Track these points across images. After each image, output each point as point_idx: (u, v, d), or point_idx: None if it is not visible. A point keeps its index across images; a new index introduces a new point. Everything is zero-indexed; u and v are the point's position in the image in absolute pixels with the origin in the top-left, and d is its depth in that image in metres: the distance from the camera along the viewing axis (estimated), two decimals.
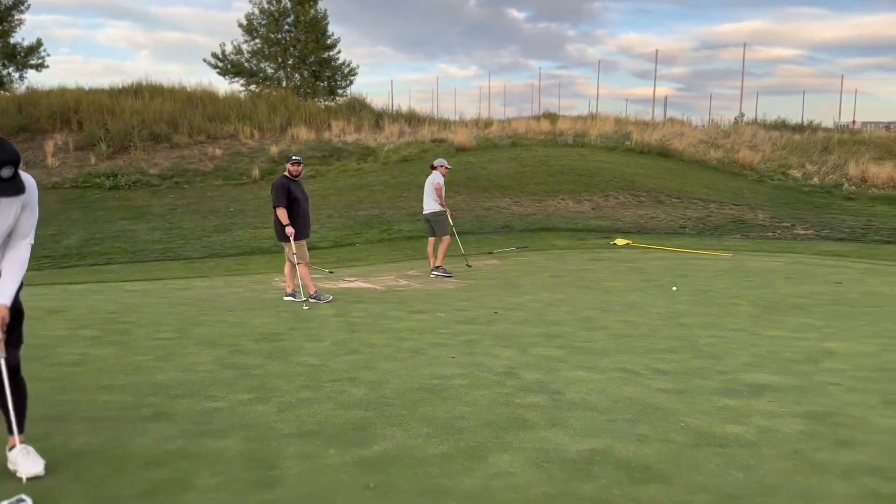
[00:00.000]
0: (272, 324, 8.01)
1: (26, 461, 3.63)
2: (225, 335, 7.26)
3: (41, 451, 3.76)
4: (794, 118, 35.88)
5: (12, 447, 3.72)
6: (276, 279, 12.17)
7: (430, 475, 3.70)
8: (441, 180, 12.70)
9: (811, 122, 35.19)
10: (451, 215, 12.87)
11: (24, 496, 3.26)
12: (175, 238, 17.74)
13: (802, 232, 17.83)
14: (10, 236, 3.49)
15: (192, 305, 9.35)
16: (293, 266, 9.65)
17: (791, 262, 13.38)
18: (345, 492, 3.51)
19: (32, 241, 3.55)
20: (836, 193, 23.23)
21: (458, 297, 10.16)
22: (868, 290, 10.41)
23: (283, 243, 9.52)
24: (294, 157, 9.69)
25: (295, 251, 9.31)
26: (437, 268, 12.77)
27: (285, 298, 9.78)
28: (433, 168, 12.90)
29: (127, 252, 16.52)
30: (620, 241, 16.02)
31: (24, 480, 3.53)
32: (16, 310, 3.54)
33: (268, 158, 25.82)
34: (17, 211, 3.40)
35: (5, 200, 3.33)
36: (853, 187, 23.63)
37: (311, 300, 9.43)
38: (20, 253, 3.51)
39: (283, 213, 9.18)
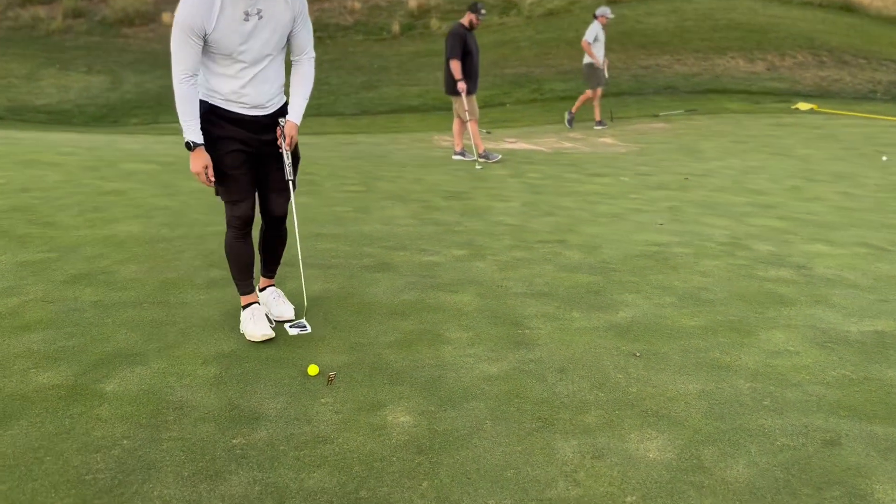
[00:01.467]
0: (451, 181, 7.75)
1: (278, 305, 3.58)
2: (409, 191, 7.07)
3: (284, 294, 3.72)
4: None
5: (263, 288, 3.68)
6: (436, 137, 11.88)
7: (698, 348, 3.35)
8: (593, 33, 12.33)
9: None
10: (609, 69, 12.62)
11: (303, 322, 3.34)
12: (325, 94, 17.68)
13: None
14: (290, 52, 3.28)
15: (364, 160, 9.24)
16: (462, 123, 9.25)
17: None
18: (610, 358, 3.23)
19: (314, 55, 3.35)
20: None
21: (635, 160, 9.51)
22: None
23: (453, 98, 9.07)
24: (482, 9, 8.91)
25: (466, 107, 8.87)
26: (598, 122, 12.58)
27: (454, 157, 9.47)
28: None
29: None
30: (803, 106, 14.48)
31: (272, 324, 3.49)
32: (294, 154, 3.36)
33: (406, 13, 24.99)
34: (290, 19, 3.14)
35: (277, 10, 3.08)
36: None
37: (480, 159, 9.07)
38: (305, 68, 3.32)
39: (456, 67, 8.68)
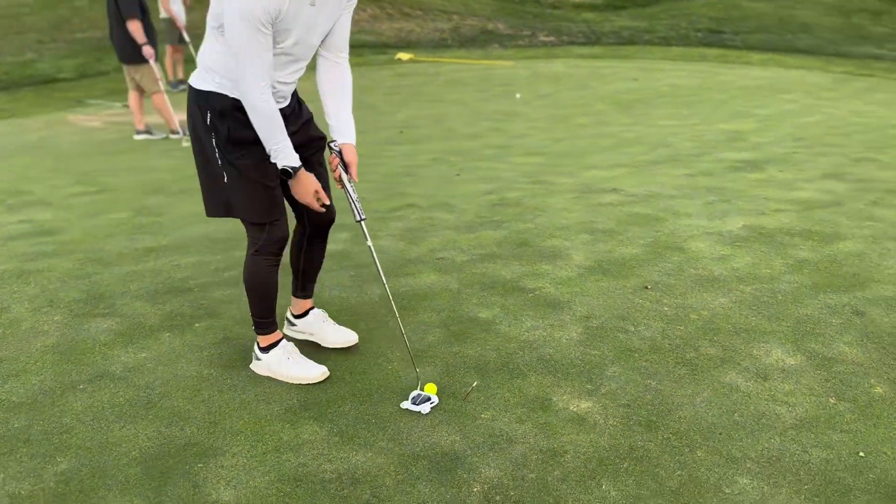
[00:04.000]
0: (182, 167, 6.71)
1: (335, 330, 2.97)
2: (154, 182, 5.97)
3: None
4: None
5: (304, 313, 2.95)
6: (72, 117, 9.93)
7: (673, 270, 3.74)
8: None
9: None
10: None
11: (430, 395, 2.59)
12: None
13: (545, 39, 19.32)
14: (326, 49, 2.52)
15: (29, 155, 7.32)
16: (142, 95, 7.96)
17: (571, 66, 14.60)
18: (637, 297, 3.41)
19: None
20: (543, 2, 25.24)
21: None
22: (669, 83, 11.96)
23: (132, 66, 7.69)
24: None
25: (159, 76, 7.65)
26: (174, 82, 11.35)
27: (137, 137, 8.13)
28: None
29: None
30: (404, 56, 15.79)
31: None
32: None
33: None
34: (343, 6, 2.43)
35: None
36: None
37: (174, 136, 7.98)
38: (345, 72, 2.61)
39: (138, 28, 7.36)
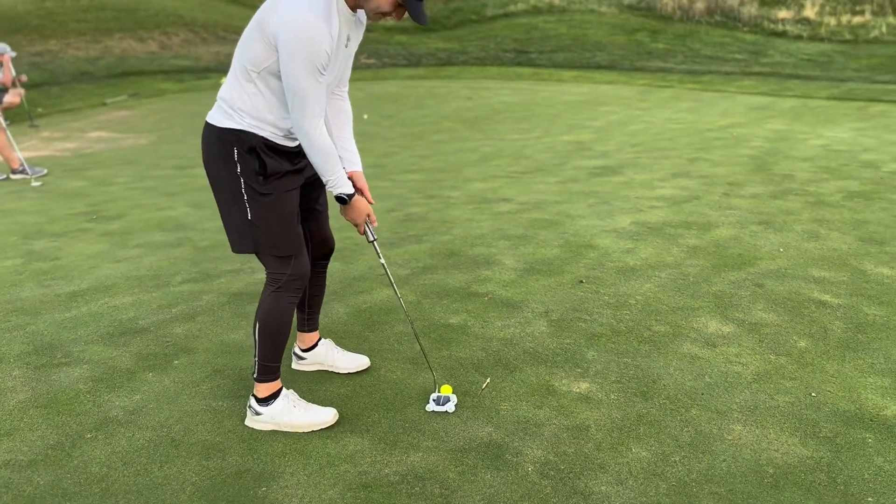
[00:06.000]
0: (56, 209, 6.24)
1: (347, 356, 3.04)
2: (34, 225, 5.50)
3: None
4: None
5: (313, 346, 2.98)
6: None
7: (597, 264, 4.20)
8: None
9: None
10: None
11: (448, 395, 2.76)
12: None
13: (367, 61, 19.70)
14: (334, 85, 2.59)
15: None
16: None
17: (405, 87, 15.12)
18: (580, 291, 3.81)
19: None
20: None
21: (178, 151, 9.07)
22: (500, 100, 12.80)
23: None
24: None
25: None
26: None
27: None
28: None
29: None
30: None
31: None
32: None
33: None
34: (357, 45, 2.54)
35: (357, 38, 2.49)
36: None
37: (14, 176, 7.33)
38: (348, 105, 2.69)
39: None
